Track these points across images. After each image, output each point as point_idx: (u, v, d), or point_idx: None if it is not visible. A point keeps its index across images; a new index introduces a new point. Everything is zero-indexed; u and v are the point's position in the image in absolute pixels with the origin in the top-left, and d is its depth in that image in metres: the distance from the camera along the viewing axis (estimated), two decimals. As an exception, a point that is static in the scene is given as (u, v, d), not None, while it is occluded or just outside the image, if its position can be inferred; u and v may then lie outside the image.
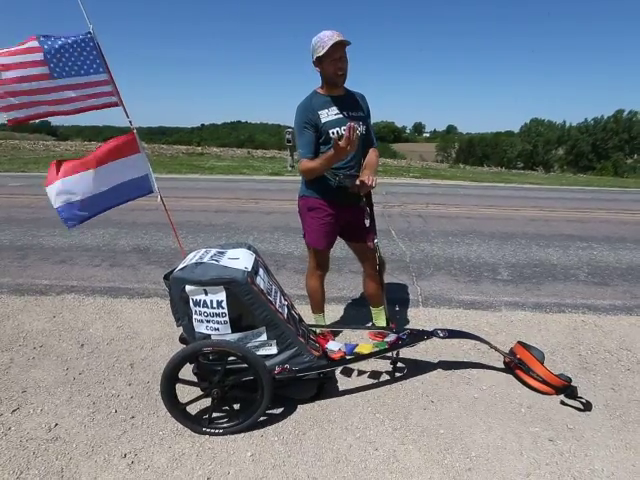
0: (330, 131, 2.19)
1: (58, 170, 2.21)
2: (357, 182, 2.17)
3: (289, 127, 13.07)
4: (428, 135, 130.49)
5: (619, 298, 3.49)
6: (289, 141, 12.44)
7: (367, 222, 2.27)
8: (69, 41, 2.08)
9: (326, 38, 2.06)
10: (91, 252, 4.44)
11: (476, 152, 55.14)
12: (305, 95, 2.29)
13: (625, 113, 51.22)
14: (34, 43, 2.02)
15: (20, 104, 2.06)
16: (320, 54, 2.08)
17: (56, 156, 15.40)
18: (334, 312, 3.05)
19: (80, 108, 2.18)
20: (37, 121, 2.22)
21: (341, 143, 1.94)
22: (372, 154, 2.37)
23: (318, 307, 2.66)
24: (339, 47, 2.08)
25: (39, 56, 2.03)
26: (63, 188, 2.20)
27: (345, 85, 2.26)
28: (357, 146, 2.16)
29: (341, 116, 2.21)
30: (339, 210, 2.33)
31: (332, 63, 2.11)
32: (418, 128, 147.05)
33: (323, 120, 2.18)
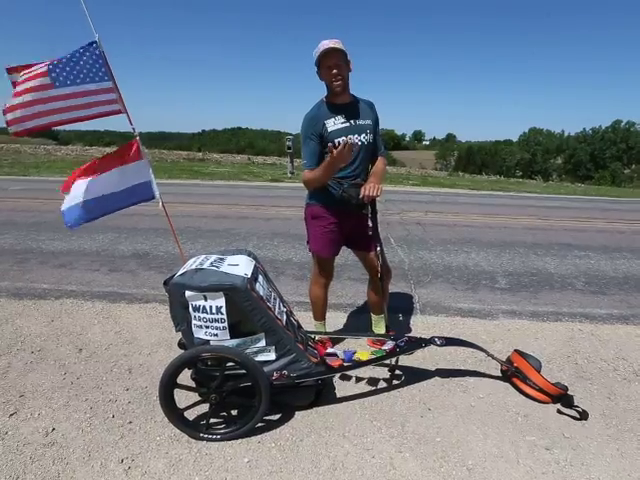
0: (336, 140, 2.20)
1: (74, 177, 2.26)
2: (361, 190, 2.17)
3: (289, 134, 13.16)
4: (427, 143, 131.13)
5: (616, 307, 3.51)
6: (289, 148, 12.53)
7: (370, 229, 2.28)
8: (76, 52, 2.12)
9: (321, 46, 2.10)
10: (90, 257, 4.45)
11: (475, 160, 55.49)
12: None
13: (623, 123, 51.68)
14: (43, 67, 2.08)
15: (26, 116, 2.09)
16: (315, 63, 2.14)
17: (57, 160, 15.47)
18: (333, 319, 3.06)
19: (85, 116, 2.21)
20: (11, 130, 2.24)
21: (335, 152, 1.98)
22: (379, 162, 2.38)
23: (320, 315, 2.67)
24: (333, 54, 2.10)
25: (42, 68, 2.07)
26: (72, 192, 2.24)
27: (353, 93, 2.28)
28: (361, 157, 2.24)
29: (348, 125, 2.23)
30: (343, 218, 2.34)
31: (327, 71, 2.14)
32: (418, 136, 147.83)
33: (329, 129, 2.20)
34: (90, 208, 2.35)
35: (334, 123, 2.21)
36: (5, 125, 2.11)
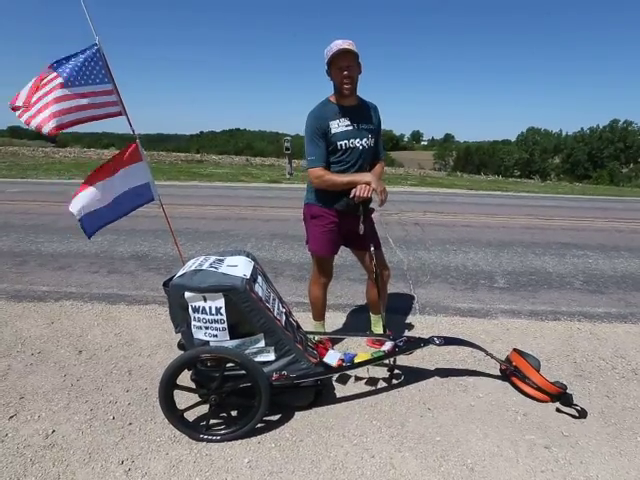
0: (339, 143, 2.22)
1: (84, 184, 2.27)
2: (352, 190, 2.19)
3: (288, 135, 13.20)
4: (426, 143, 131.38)
5: (614, 306, 3.52)
6: (288, 149, 12.55)
7: (360, 230, 2.29)
8: (79, 54, 2.14)
9: (334, 46, 2.10)
10: (89, 259, 4.45)
11: (473, 160, 55.61)
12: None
13: (620, 123, 51.83)
14: (50, 71, 2.10)
15: (51, 115, 2.10)
16: (326, 62, 2.14)
17: (55, 162, 15.45)
18: (332, 319, 3.07)
19: (87, 117, 2.22)
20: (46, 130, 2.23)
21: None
22: (377, 166, 2.41)
23: (319, 315, 2.68)
24: (345, 56, 2.10)
25: (52, 71, 2.10)
26: (83, 200, 2.27)
27: (358, 94, 2.28)
28: (361, 161, 2.28)
29: (351, 128, 2.23)
30: (342, 218, 2.35)
31: (338, 72, 2.14)
32: (416, 136, 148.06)
33: (333, 131, 2.21)
34: (103, 215, 2.37)
35: (338, 125, 2.21)
36: (37, 130, 2.11)
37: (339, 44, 2.09)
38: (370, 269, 2.46)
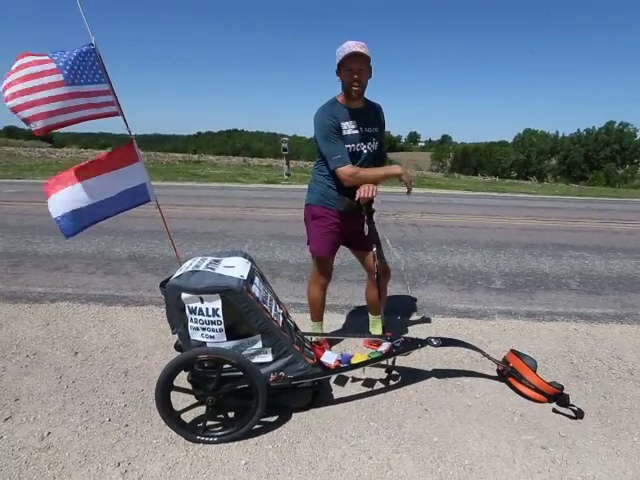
0: (345, 146, 2.21)
1: (58, 181, 2.22)
2: (357, 192, 2.19)
3: (285, 136, 13.23)
4: (423, 144, 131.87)
5: (610, 307, 3.54)
6: (285, 149, 12.56)
7: (366, 230, 2.29)
8: (74, 52, 2.11)
9: (346, 47, 2.08)
10: (86, 260, 4.43)
11: (471, 162, 55.78)
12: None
13: (616, 124, 52.12)
14: (44, 57, 2.04)
15: (44, 113, 2.01)
16: (337, 62, 2.13)
17: (52, 163, 15.40)
18: (329, 320, 3.06)
19: (84, 117, 2.20)
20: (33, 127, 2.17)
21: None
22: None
23: (317, 315, 2.67)
24: (357, 59, 2.08)
25: (50, 66, 2.02)
26: (63, 198, 2.20)
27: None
28: (365, 165, 2.29)
29: (357, 132, 2.23)
30: (343, 219, 2.35)
31: (348, 74, 2.12)
32: (413, 137, 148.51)
33: (343, 132, 2.20)
34: (88, 214, 2.31)
35: (347, 127, 2.21)
36: (24, 122, 1.99)
37: (352, 45, 2.07)
38: (372, 269, 2.46)
